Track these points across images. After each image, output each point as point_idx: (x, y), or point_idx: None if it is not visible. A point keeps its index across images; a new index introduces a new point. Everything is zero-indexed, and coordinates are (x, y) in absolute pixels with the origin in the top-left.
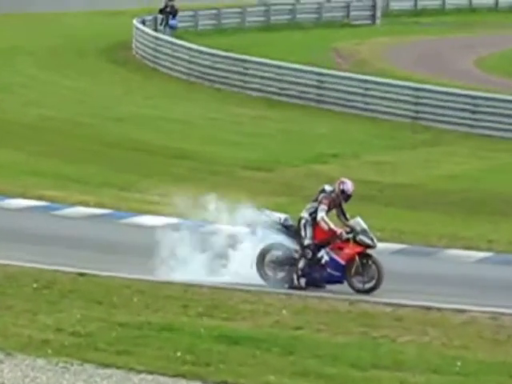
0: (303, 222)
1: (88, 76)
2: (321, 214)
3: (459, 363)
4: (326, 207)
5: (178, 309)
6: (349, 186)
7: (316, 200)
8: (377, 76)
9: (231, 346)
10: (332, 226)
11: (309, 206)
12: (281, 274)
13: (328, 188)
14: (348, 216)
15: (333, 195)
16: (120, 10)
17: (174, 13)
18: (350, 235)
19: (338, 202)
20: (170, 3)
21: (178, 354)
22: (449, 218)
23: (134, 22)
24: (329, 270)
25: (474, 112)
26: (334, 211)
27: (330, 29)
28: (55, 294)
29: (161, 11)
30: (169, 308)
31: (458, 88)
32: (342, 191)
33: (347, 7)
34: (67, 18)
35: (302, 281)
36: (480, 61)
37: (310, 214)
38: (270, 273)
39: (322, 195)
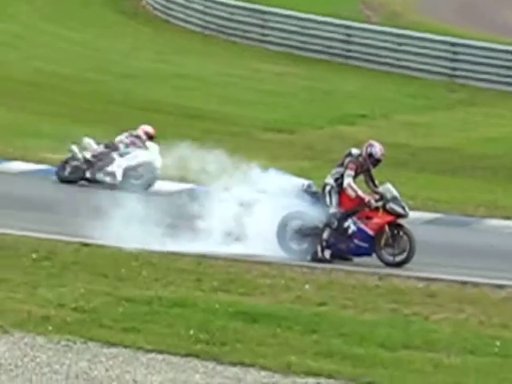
0: (328, 188)
1: (93, 28)
2: (347, 180)
3: (498, 343)
4: (352, 172)
5: (191, 283)
6: (377, 149)
7: (342, 165)
8: (410, 29)
9: (249, 324)
10: (360, 192)
11: (334, 171)
12: (304, 245)
13: (355, 152)
14: (377, 182)
15: (360, 159)
16: None
17: None
18: (380, 203)
19: (366, 167)
20: None
21: (191, 331)
22: (487, 184)
23: None
24: (356, 241)
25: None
26: (361, 177)
27: None
28: (56, 265)
29: None
30: (181, 282)
31: (498, 43)
32: (370, 155)
33: None
34: None
35: (327, 253)
36: None
37: (336, 180)
38: (292, 244)
39: (349, 159)
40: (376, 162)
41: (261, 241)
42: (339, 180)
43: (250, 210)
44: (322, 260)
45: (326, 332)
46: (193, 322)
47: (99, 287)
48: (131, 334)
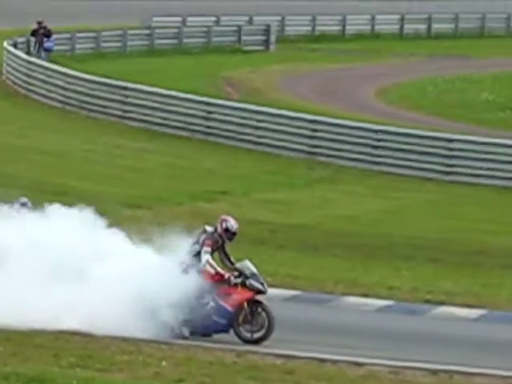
0: (183, 266)
1: None
2: (205, 257)
3: None
4: (209, 249)
5: (49, 358)
6: (232, 222)
7: (197, 242)
8: (270, 107)
9: None
10: (219, 269)
11: (190, 248)
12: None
13: (209, 228)
14: (232, 259)
15: (215, 236)
16: None
17: (48, 35)
18: (239, 280)
19: (221, 242)
20: (44, 24)
21: None
22: (347, 262)
23: (5, 44)
24: (214, 317)
25: (375, 147)
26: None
27: (220, 54)
28: None
29: (33, 33)
30: (38, 357)
31: (358, 121)
32: (226, 229)
33: (238, 31)
34: None
35: (185, 329)
36: (382, 92)
37: (192, 258)
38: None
39: (204, 236)
40: (232, 235)
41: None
42: (196, 257)
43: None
44: (181, 336)
45: None
46: None
47: None
48: None
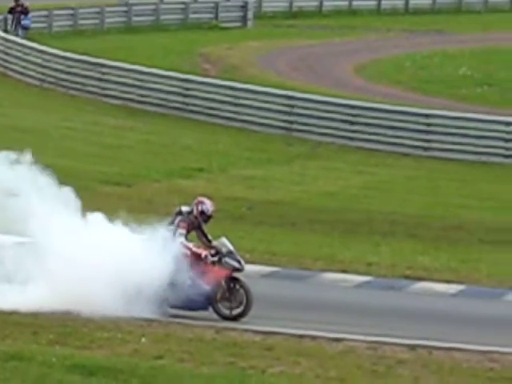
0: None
1: None
2: (180, 239)
3: None
4: (184, 231)
5: (28, 336)
6: (208, 206)
7: (173, 223)
8: (247, 83)
9: (86, 377)
10: (194, 249)
11: (165, 229)
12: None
13: (185, 209)
14: (210, 237)
15: (191, 217)
16: None
17: (25, 12)
18: (216, 257)
19: (197, 223)
20: (21, 2)
21: None
22: (325, 238)
23: None
24: (192, 295)
25: (352, 123)
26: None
27: (197, 31)
28: None
29: (10, 11)
30: (17, 335)
31: (335, 97)
32: (202, 212)
33: (215, 8)
34: None
35: (165, 306)
36: (360, 67)
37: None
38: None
39: (179, 218)
40: (208, 218)
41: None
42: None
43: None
44: (161, 313)
45: None
46: (29, 375)
47: None
48: None
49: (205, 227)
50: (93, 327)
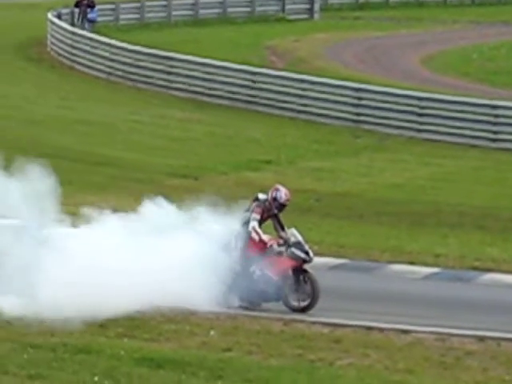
0: (234, 233)
1: None
2: (252, 224)
3: None
4: (258, 216)
5: (96, 329)
6: (282, 193)
7: (248, 209)
8: (315, 76)
9: (154, 370)
10: (263, 236)
11: (241, 216)
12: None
13: (262, 196)
14: (286, 228)
15: (266, 204)
16: (35, 2)
17: (92, 5)
18: (283, 248)
19: (272, 211)
20: None
21: (96, 378)
22: (393, 230)
23: (49, 15)
24: (261, 285)
25: (420, 115)
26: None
27: (264, 24)
28: None
29: (77, 4)
30: (85, 328)
31: (403, 89)
32: (275, 199)
33: (282, 0)
34: None
35: (234, 298)
36: (427, 59)
37: (243, 225)
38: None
39: (255, 204)
40: (280, 206)
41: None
42: (246, 225)
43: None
44: (229, 305)
45: (231, 378)
46: (98, 368)
47: (4, 333)
48: (36, 381)
49: (281, 217)
50: (161, 320)
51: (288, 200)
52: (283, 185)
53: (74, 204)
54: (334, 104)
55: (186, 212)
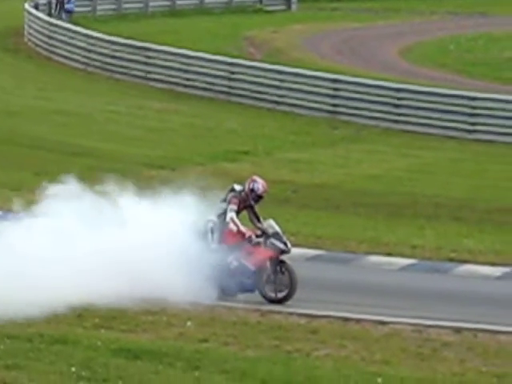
0: (210, 225)
1: None
2: (230, 215)
3: (380, 380)
4: (235, 207)
5: (73, 319)
6: (259, 185)
7: (225, 200)
8: (292, 67)
9: (131, 361)
10: (241, 227)
11: (217, 207)
12: None
13: (238, 187)
14: (262, 219)
15: (242, 195)
16: None
17: None
18: (261, 239)
19: (249, 202)
20: None
21: (73, 369)
22: (370, 221)
23: (26, 6)
24: (238, 276)
25: (397, 106)
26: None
27: (242, 15)
28: None
29: None
30: (62, 318)
31: (380, 80)
32: (252, 190)
33: None
34: None
35: (212, 289)
36: (405, 50)
37: (219, 216)
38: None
39: (231, 195)
40: (257, 197)
41: None
42: (222, 216)
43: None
44: (207, 296)
45: (208, 368)
46: (75, 359)
47: None
48: (13, 371)
49: (256, 208)
50: (138, 311)
51: (265, 191)
52: (260, 176)
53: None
54: (310, 95)
55: (157, 202)
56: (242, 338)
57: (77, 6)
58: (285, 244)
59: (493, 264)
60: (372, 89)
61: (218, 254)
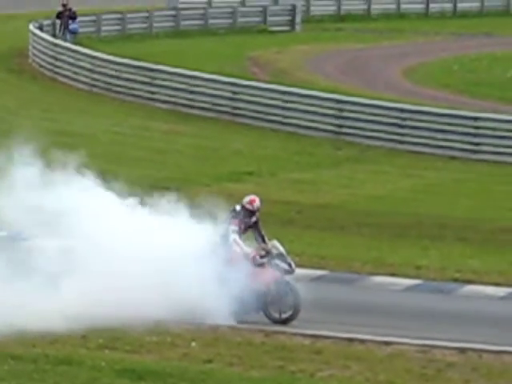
0: (214, 246)
1: None
2: (233, 236)
3: None
4: (236, 228)
5: (77, 340)
6: (251, 200)
7: (226, 221)
8: (297, 87)
9: (135, 381)
10: (245, 248)
11: (220, 228)
12: None
13: (238, 207)
14: (266, 239)
15: (243, 214)
16: (17, 13)
17: (73, 17)
18: (265, 259)
19: (248, 221)
20: (69, 6)
21: None
22: (374, 241)
23: (30, 26)
24: (243, 298)
25: (401, 126)
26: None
27: (246, 35)
28: None
29: (58, 15)
30: (67, 339)
31: (384, 100)
32: (243, 207)
33: (264, 12)
34: None
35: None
36: (409, 71)
37: (222, 237)
38: None
39: (231, 215)
40: (250, 213)
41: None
42: (225, 237)
43: None
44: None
45: None
46: (79, 379)
47: None
48: None
49: (262, 229)
50: (142, 331)
51: (257, 207)
52: (260, 196)
53: None
54: (315, 115)
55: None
56: (246, 358)
57: (81, 27)
58: (289, 265)
59: (497, 284)
60: (376, 109)
61: (223, 275)
